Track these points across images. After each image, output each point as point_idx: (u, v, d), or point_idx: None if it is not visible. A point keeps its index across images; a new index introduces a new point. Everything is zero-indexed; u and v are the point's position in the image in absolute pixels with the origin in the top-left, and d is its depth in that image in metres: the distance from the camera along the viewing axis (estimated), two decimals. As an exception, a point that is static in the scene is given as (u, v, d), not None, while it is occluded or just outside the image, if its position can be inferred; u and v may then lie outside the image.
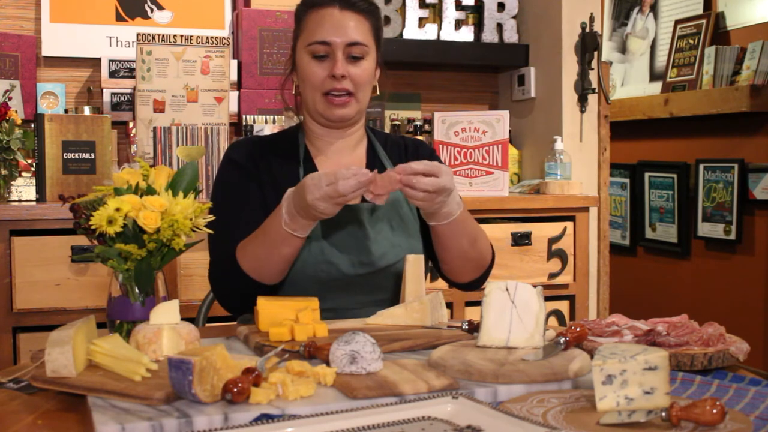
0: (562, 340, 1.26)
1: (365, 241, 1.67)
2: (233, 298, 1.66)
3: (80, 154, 2.55)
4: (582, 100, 3.26)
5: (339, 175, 1.41)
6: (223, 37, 2.94)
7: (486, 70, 3.62)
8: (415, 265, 1.59)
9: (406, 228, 1.73)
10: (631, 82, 4.45)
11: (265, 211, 1.67)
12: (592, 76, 3.25)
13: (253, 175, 1.72)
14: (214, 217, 1.40)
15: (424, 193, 1.46)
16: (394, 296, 1.69)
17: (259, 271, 1.57)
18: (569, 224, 3.01)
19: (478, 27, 3.43)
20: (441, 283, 2.86)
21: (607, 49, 4.47)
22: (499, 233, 2.89)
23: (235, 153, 1.76)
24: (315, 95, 1.69)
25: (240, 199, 1.71)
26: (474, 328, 1.39)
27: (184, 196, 1.34)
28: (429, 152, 1.88)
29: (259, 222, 1.64)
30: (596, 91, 3.25)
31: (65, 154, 2.53)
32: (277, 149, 1.77)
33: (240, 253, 1.59)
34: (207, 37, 2.92)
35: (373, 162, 1.79)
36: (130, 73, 2.99)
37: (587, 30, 3.24)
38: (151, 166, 1.37)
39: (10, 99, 2.69)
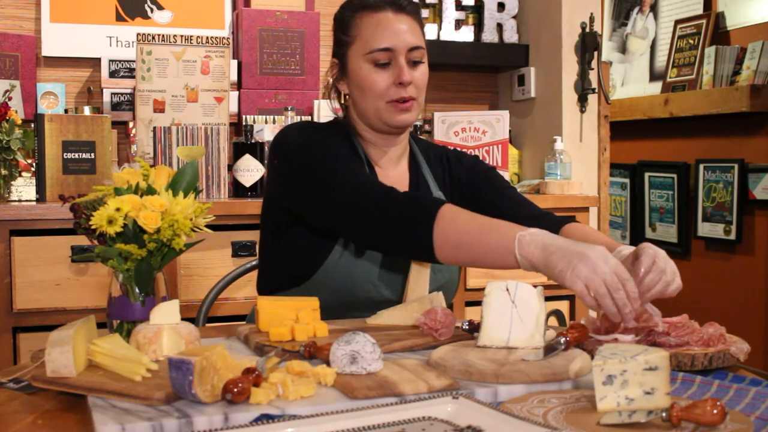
0: (563, 340, 1.26)
1: (405, 275, 1.64)
2: (380, 244, 1.47)
3: (80, 154, 2.55)
4: (582, 100, 3.26)
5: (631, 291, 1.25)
6: (223, 37, 2.94)
7: (486, 70, 3.62)
8: (417, 264, 1.59)
9: (449, 266, 1.69)
10: (631, 82, 4.45)
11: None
12: (592, 76, 3.25)
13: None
14: (213, 217, 1.39)
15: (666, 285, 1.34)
16: None
17: (451, 252, 1.39)
18: (569, 224, 3.00)
19: (478, 27, 3.43)
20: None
21: (607, 49, 4.47)
22: (499, 233, 2.89)
23: (304, 123, 1.71)
24: (378, 104, 1.63)
25: (336, 143, 1.64)
26: (474, 328, 1.39)
27: (184, 196, 1.33)
28: (473, 161, 1.82)
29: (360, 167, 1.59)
30: (596, 91, 3.25)
31: (65, 154, 2.53)
32: (341, 138, 1.70)
33: (441, 228, 1.39)
34: (207, 37, 2.92)
35: (416, 178, 1.75)
36: (130, 73, 2.99)
37: (587, 30, 3.24)
38: (151, 166, 1.37)
39: (10, 99, 2.69)
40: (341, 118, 1.77)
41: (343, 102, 1.73)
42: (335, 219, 1.51)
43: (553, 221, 1.68)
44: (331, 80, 1.73)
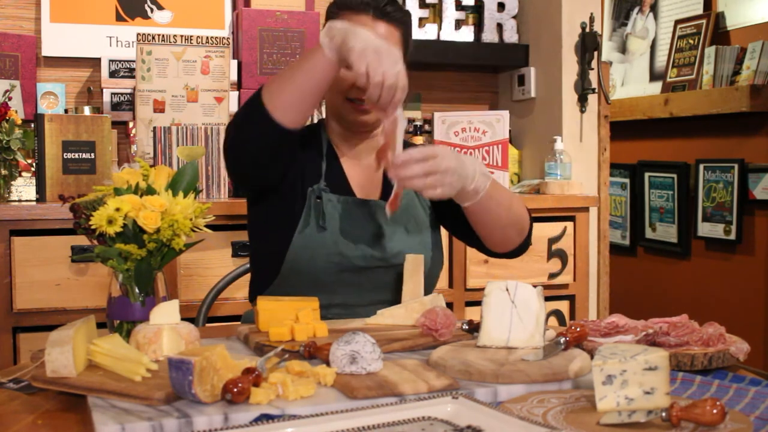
0: (563, 340, 1.26)
1: (381, 239, 1.68)
2: (244, 147, 1.55)
3: (80, 154, 2.55)
4: (582, 100, 3.26)
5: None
6: (223, 37, 2.94)
7: (486, 70, 3.62)
8: (413, 264, 1.59)
9: (419, 231, 1.73)
10: (631, 82, 4.45)
11: (278, 201, 1.69)
12: (592, 76, 3.25)
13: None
14: (213, 217, 1.40)
15: (426, 178, 1.43)
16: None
17: (279, 98, 1.49)
18: (569, 224, 3.00)
19: (478, 27, 3.43)
20: (441, 284, 2.86)
21: (607, 49, 4.47)
22: (499, 233, 2.89)
23: None
24: (338, 99, 1.69)
25: None
26: (474, 328, 1.39)
27: (184, 196, 1.34)
28: None
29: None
30: (596, 91, 3.25)
31: (65, 154, 2.53)
32: (303, 140, 1.76)
33: (265, 86, 1.53)
34: (207, 37, 2.92)
35: None
36: (130, 73, 2.99)
37: (587, 30, 3.24)
38: (151, 166, 1.37)
39: (10, 99, 2.69)
40: (313, 123, 1.85)
41: None
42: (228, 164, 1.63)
43: None
44: None
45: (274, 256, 1.68)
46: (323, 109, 1.82)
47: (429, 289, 1.70)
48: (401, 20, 1.70)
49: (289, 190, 1.69)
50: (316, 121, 1.87)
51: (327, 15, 1.74)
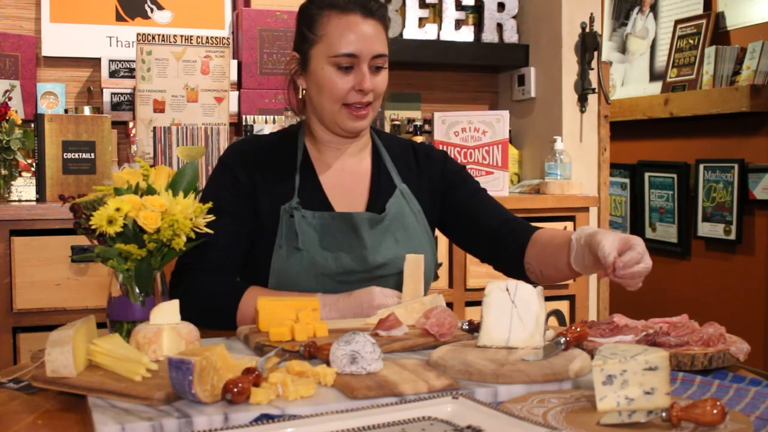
0: (563, 340, 1.26)
1: (362, 251, 1.65)
2: (192, 306, 1.47)
3: (80, 154, 2.55)
4: (582, 100, 3.26)
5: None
6: (223, 37, 2.94)
7: (486, 70, 3.62)
8: (414, 265, 1.59)
9: (410, 240, 1.70)
10: (631, 82, 4.45)
11: (254, 222, 1.67)
12: (592, 76, 3.25)
13: (247, 187, 1.68)
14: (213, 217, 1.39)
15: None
16: None
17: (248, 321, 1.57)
18: (569, 224, 3.00)
19: (478, 27, 3.43)
20: (441, 284, 2.86)
21: (607, 49, 4.47)
22: (499, 233, 2.89)
23: (231, 159, 1.71)
24: (334, 107, 1.65)
25: (228, 210, 1.64)
26: (474, 328, 1.39)
27: (184, 196, 1.33)
28: (442, 157, 1.83)
29: (240, 235, 1.65)
30: (596, 91, 3.25)
31: (65, 154, 2.53)
32: (275, 153, 1.73)
33: (247, 296, 1.58)
34: (207, 37, 2.92)
35: (379, 171, 1.76)
36: (130, 73, 2.99)
37: (587, 30, 3.24)
38: (151, 166, 1.37)
39: (10, 99, 2.69)
40: (293, 126, 1.79)
41: (300, 97, 1.75)
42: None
43: (523, 227, 1.74)
44: (290, 74, 1.74)
45: (259, 273, 1.67)
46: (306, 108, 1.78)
47: (424, 290, 1.69)
48: (384, 16, 1.68)
49: (262, 210, 1.67)
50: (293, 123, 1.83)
51: (308, 15, 1.67)
